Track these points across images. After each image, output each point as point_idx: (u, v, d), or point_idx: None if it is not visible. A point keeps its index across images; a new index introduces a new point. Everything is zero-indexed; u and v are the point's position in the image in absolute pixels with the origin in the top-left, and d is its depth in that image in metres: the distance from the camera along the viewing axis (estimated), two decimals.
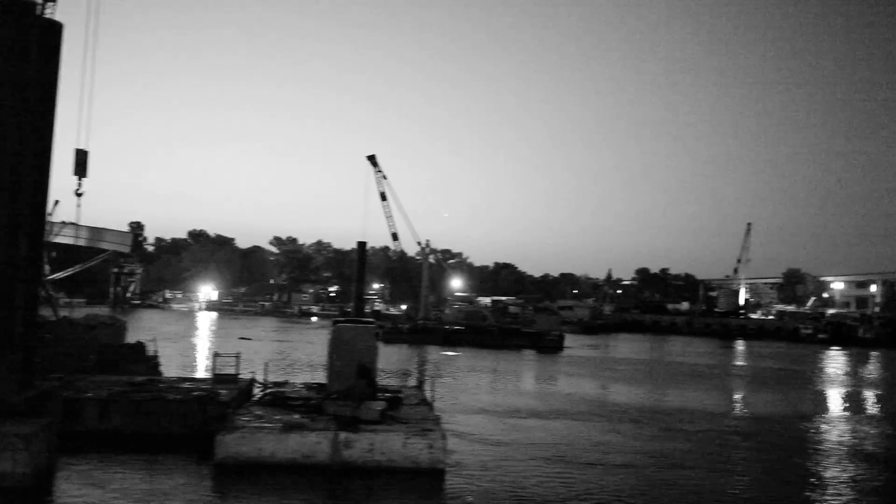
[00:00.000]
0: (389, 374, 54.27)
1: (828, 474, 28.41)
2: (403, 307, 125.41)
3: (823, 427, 39.93)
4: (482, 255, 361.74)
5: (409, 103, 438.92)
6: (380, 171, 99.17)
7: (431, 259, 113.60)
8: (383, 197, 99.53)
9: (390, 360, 63.35)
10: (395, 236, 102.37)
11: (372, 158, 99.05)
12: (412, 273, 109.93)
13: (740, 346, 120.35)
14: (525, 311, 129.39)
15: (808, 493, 25.33)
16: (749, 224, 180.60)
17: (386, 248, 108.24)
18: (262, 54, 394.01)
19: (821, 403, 51.40)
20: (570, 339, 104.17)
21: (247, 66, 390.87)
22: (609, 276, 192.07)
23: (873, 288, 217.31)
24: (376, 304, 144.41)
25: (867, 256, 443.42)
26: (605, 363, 75.21)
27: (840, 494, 25.34)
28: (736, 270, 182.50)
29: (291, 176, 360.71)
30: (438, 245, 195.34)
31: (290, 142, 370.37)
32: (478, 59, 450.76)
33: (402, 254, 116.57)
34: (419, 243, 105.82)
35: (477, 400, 43.88)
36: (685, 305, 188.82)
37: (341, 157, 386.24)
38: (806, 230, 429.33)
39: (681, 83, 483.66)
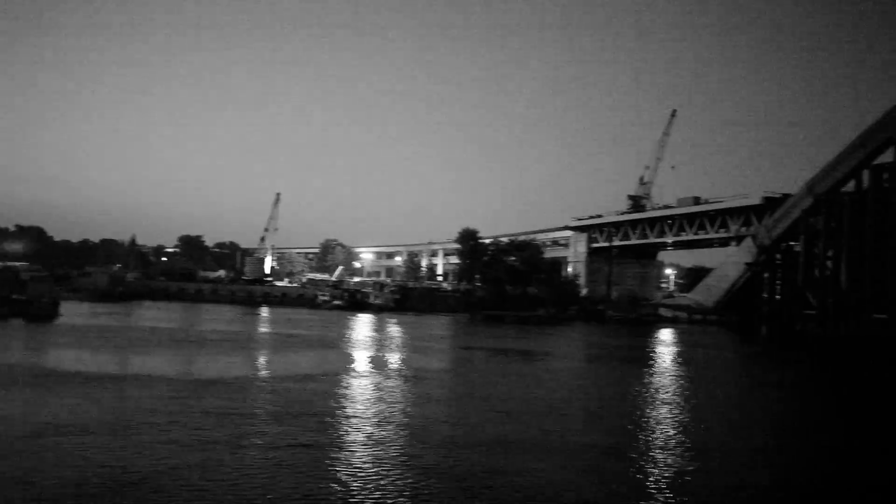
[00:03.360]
0: None
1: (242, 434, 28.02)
2: None
3: (289, 386, 40.30)
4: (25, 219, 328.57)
5: None
6: None
7: None
8: None
9: None
10: None
11: None
12: None
13: (264, 312, 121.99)
14: (41, 278, 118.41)
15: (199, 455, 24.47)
16: (278, 194, 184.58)
17: None
18: None
19: (301, 365, 52.63)
20: (81, 308, 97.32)
21: None
22: (133, 241, 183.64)
23: (398, 259, 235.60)
24: None
25: (393, 230, 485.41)
26: (98, 331, 70.66)
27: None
28: (263, 239, 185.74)
29: None
30: None
31: None
32: None
33: None
34: None
35: None
36: (222, 273, 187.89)
37: None
38: (343, 204, 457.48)
39: (250, 55, 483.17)
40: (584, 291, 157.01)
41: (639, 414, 36.83)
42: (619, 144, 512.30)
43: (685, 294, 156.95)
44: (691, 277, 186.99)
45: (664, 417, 36.32)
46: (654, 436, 31.13)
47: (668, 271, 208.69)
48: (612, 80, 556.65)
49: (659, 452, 27.79)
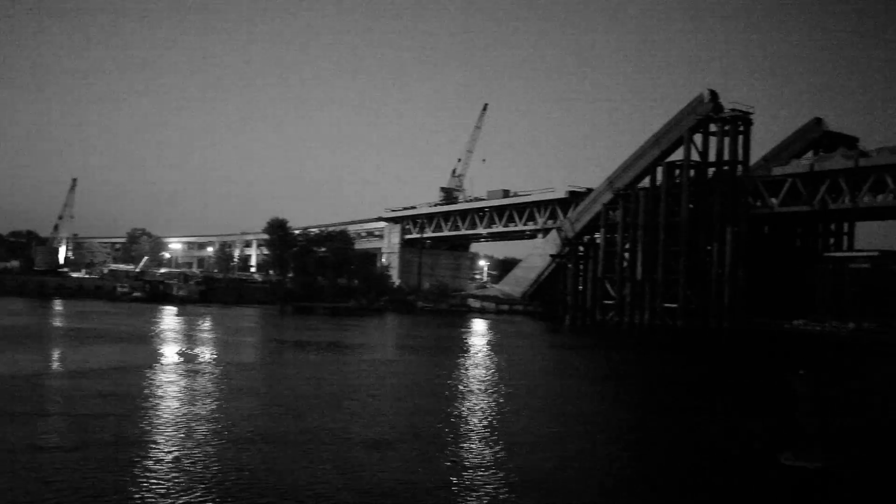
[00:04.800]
0: None
1: None
2: None
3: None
4: None
5: None
6: None
7: None
8: None
9: None
10: None
11: None
12: None
13: (56, 305, 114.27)
14: None
15: None
16: (74, 179, 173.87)
17: None
18: None
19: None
20: None
21: None
22: None
23: (210, 249, 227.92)
24: None
25: (208, 220, 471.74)
26: None
27: None
28: (57, 227, 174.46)
29: None
30: None
31: None
32: None
33: None
34: None
35: None
36: (13, 263, 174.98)
37: None
38: (156, 193, 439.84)
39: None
40: (397, 282, 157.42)
41: (427, 404, 36.34)
42: (436, 136, 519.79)
43: (496, 285, 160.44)
44: (503, 268, 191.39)
45: (451, 407, 35.95)
46: (432, 426, 30.53)
47: (482, 262, 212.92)
48: (426, 74, 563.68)
49: (426, 443, 27.18)
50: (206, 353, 55.54)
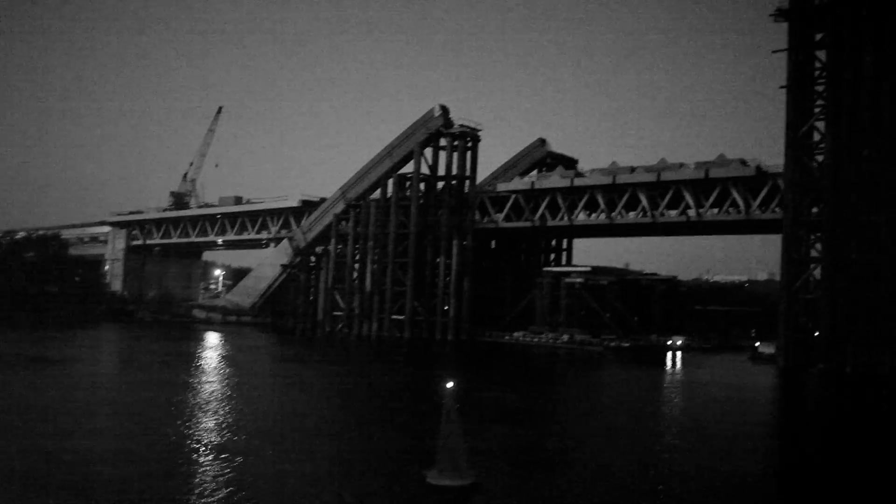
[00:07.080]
0: None
1: None
2: None
3: None
4: None
5: None
6: None
7: None
8: None
9: None
10: None
11: None
12: None
13: None
14: None
15: None
16: None
17: None
18: None
19: None
20: None
21: None
22: None
23: None
24: None
25: None
26: None
27: None
28: None
29: None
30: None
31: None
32: None
33: None
34: None
35: None
36: None
37: None
38: None
39: None
40: (121, 290, 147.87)
41: (101, 425, 32.63)
42: (169, 139, 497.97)
43: (227, 295, 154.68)
44: (238, 278, 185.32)
45: (121, 428, 32.34)
46: (73, 452, 26.97)
47: (218, 272, 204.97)
48: (160, 72, 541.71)
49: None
50: None
